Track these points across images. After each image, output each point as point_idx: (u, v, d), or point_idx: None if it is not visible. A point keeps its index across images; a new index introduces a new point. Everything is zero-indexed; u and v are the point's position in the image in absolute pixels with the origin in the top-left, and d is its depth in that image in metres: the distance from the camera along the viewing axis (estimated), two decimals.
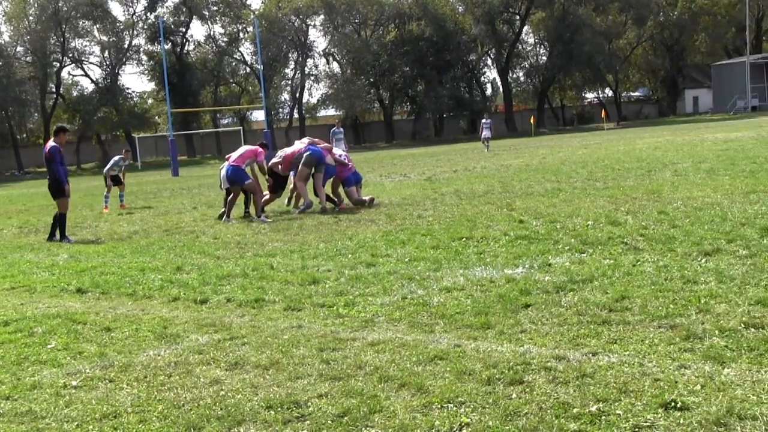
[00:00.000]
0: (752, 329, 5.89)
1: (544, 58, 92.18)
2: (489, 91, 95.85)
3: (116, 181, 22.69)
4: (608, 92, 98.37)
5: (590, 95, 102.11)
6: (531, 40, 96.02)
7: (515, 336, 6.26)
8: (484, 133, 42.72)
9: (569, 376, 5.24)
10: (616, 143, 34.90)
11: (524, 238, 10.78)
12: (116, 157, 23.36)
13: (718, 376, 5.01)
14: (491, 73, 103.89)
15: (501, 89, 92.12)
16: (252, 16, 78.50)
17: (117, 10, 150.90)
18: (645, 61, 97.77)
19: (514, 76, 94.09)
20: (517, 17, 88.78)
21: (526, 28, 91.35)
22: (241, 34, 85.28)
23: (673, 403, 4.61)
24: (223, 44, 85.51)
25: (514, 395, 4.99)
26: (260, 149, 17.05)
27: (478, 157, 35.48)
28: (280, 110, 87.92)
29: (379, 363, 5.82)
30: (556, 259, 9.17)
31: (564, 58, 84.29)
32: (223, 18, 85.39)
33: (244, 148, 17.14)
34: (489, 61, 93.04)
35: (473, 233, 11.55)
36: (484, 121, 44.13)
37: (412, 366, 5.69)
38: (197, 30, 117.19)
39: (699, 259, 8.47)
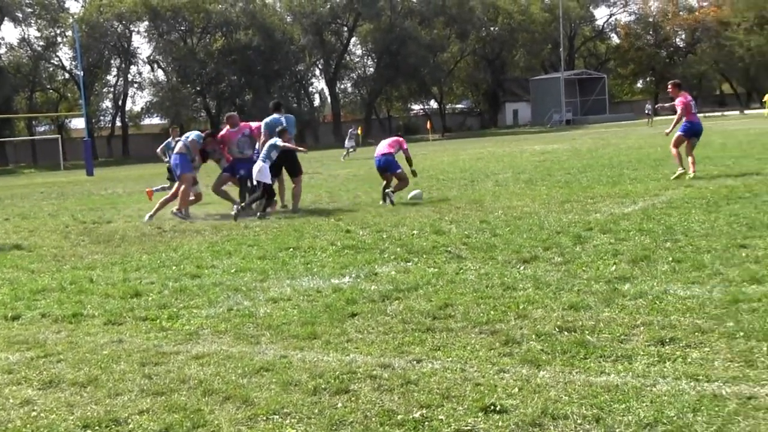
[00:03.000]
0: (566, 333, 6.14)
1: (372, 69, 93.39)
2: (317, 102, 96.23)
3: None
4: (433, 104, 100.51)
5: (416, 107, 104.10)
6: (359, 52, 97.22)
7: (341, 345, 6.29)
8: (349, 141, 43.09)
9: (394, 383, 5.31)
10: (441, 154, 35.67)
11: (351, 247, 10.87)
12: None
13: (534, 379, 5.19)
14: (319, 84, 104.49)
15: (329, 99, 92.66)
16: (71, 20, 75.42)
17: None
18: (468, 75, 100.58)
19: (342, 86, 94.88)
20: (345, 28, 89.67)
21: (353, 39, 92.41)
22: (60, 39, 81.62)
23: (492, 407, 4.74)
24: (39, 48, 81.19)
25: (339, 404, 5.02)
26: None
27: (315, 165, 35.48)
28: (102, 118, 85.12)
29: (203, 376, 5.72)
30: (383, 268, 9.28)
31: (391, 70, 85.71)
32: (38, 21, 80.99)
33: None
34: (317, 72, 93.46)
35: (300, 243, 11.55)
36: (351, 130, 44.45)
37: (237, 378, 5.63)
38: (9, 32, 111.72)
39: (518, 267, 8.76)
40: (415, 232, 11.86)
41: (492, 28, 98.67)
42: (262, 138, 16.40)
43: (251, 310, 7.59)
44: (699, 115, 18.34)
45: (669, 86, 18.21)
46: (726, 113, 77.19)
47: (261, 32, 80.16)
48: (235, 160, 16.74)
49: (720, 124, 40.38)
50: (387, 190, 16.54)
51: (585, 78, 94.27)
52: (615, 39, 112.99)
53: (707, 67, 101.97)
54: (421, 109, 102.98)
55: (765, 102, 67.54)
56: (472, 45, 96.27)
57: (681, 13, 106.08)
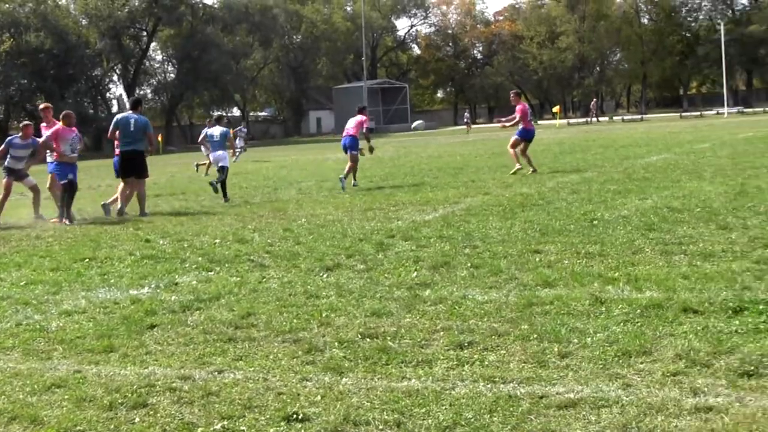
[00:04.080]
0: (368, 339, 6.19)
1: (173, 75, 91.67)
2: (115, 108, 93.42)
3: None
4: (236, 111, 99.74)
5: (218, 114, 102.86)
6: (159, 57, 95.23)
7: (140, 358, 6.11)
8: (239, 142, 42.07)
9: (194, 395, 5.20)
10: (244, 162, 35.41)
11: (151, 257, 10.59)
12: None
13: (336, 386, 5.21)
14: (117, 89, 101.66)
15: (128, 106, 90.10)
16: None
17: None
18: (271, 82, 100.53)
19: (142, 92, 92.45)
20: (145, 33, 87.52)
21: (153, 44, 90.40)
22: None
23: (295, 415, 4.73)
24: None
25: (137, 419, 4.86)
26: None
27: (104, 174, 34.39)
28: None
29: None
30: (183, 278, 9.10)
31: (192, 77, 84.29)
32: None
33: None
34: (115, 77, 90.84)
35: (97, 254, 11.15)
36: (239, 128, 43.33)
37: (25, 397, 5.35)
38: None
39: (321, 274, 8.78)
40: (217, 241, 11.70)
41: (295, 37, 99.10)
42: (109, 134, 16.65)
43: (42, 324, 7.25)
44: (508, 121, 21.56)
45: (511, 95, 21.95)
46: (502, 120, 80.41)
47: (53, 35, 76.61)
48: (64, 163, 15.93)
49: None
50: (340, 176, 18.92)
51: (387, 87, 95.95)
52: (416, 50, 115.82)
53: (503, 79, 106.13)
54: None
55: (555, 113, 71.03)
56: (276, 53, 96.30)
57: (478, 26, 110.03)
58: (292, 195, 18.20)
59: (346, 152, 20.17)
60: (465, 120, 70.30)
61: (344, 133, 20.34)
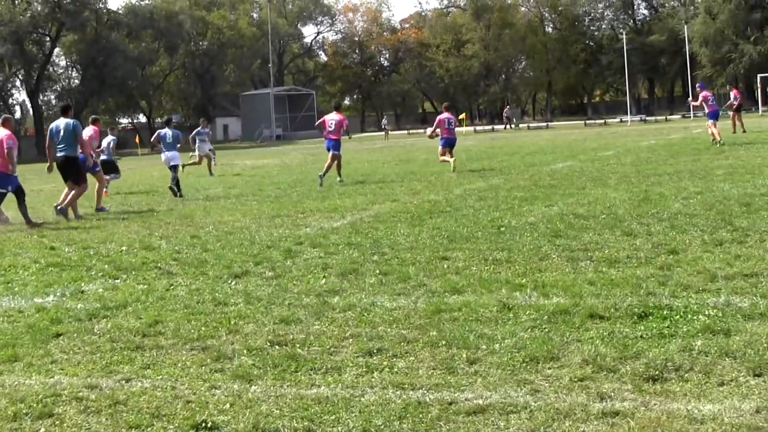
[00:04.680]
0: (277, 347, 6.19)
1: (77, 81, 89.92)
2: (18, 114, 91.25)
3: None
4: (142, 118, 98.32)
5: (124, 120, 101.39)
6: (63, 63, 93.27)
7: (45, 367, 6.00)
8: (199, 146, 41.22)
9: (101, 404, 5.13)
10: (150, 169, 34.96)
11: (56, 265, 10.39)
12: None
13: (245, 394, 5.20)
14: (20, 95, 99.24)
15: (31, 112, 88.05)
16: None
17: None
18: (178, 89, 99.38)
19: (45, 98, 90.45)
20: (48, 39, 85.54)
21: (57, 50, 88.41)
22: None
23: (204, 424, 4.70)
24: None
25: (42, 429, 4.79)
26: None
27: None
28: None
29: None
30: (90, 286, 8.95)
31: (97, 83, 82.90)
32: None
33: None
34: (18, 83, 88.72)
35: (0, 261, 10.90)
36: (198, 129, 42.40)
37: None
38: None
39: (229, 282, 8.74)
40: (123, 248, 11.53)
41: (201, 43, 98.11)
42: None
43: None
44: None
45: (443, 106, 26.69)
46: (428, 130, 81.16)
47: None
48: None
49: (422, 141, 42.35)
50: (319, 173, 20.92)
51: (294, 94, 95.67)
52: (323, 57, 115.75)
53: (410, 86, 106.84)
54: (129, 122, 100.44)
55: (462, 120, 71.81)
56: (182, 59, 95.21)
57: (385, 33, 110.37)
58: (200, 202, 18.03)
59: (329, 152, 21.32)
60: (383, 126, 70.72)
61: (326, 135, 21.53)
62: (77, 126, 16.42)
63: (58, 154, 16.15)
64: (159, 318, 7.21)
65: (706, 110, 27.58)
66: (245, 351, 6.12)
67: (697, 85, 33.26)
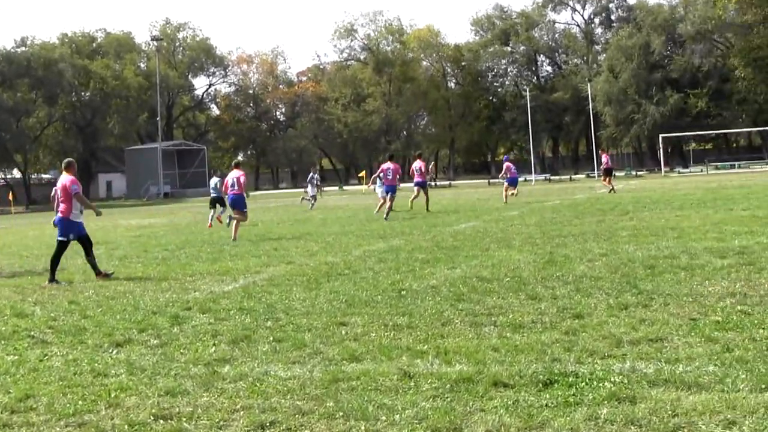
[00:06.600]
0: (161, 421, 6.06)
1: None
2: None
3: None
4: (16, 173, 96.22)
5: None
6: None
7: None
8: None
9: None
10: (26, 228, 34.19)
11: None
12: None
13: None
14: None
15: None
16: None
17: None
18: (57, 142, 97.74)
19: None
20: None
21: None
22: None
23: None
24: None
25: None
26: None
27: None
28: None
29: None
30: None
31: None
32: None
33: None
34: None
35: None
36: (312, 175, 41.95)
37: None
38: None
39: (110, 351, 8.54)
40: None
41: (83, 93, 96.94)
42: None
43: None
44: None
45: (415, 155, 35.10)
46: (325, 189, 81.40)
47: None
48: None
49: (319, 201, 42.41)
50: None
51: (184, 149, 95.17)
52: (215, 110, 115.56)
53: (307, 142, 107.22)
54: (2, 178, 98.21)
55: (361, 177, 72.28)
56: (62, 110, 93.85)
57: (281, 86, 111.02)
58: (79, 264, 17.63)
59: (233, 208, 23.08)
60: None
61: (228, 191, 23.16)
62: None
63: None
64: (30, 392, 6.99)
65: (508, 176, 36.24)
66: (126, 426, 5.97)
67: (504, 156, 48.65)
